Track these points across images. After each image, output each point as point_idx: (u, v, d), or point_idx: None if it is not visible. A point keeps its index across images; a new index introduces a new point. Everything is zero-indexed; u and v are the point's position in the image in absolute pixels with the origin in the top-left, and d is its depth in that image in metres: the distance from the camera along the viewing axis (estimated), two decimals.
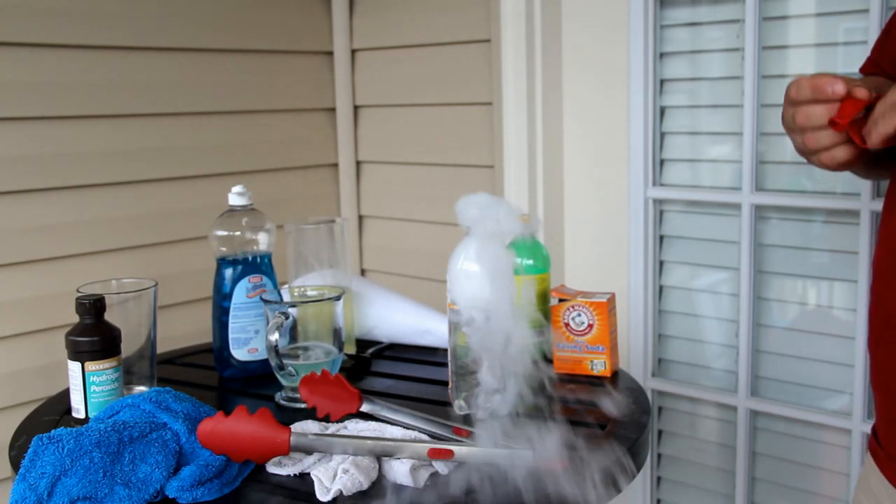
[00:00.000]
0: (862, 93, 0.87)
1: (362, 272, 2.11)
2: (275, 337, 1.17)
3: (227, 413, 0.98)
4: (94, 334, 1.13)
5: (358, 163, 2.06)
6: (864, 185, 1.45)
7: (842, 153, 0.91)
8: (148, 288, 1.24)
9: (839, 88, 0.88)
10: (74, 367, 1.14)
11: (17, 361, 1.55)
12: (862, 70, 1.14)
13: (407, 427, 1.08)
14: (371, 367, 1.42)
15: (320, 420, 1.11)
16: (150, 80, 1.70)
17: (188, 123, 1.77)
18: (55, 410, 1.23)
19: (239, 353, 1.37)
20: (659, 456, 1.78)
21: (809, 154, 0.95)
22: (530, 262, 1.32)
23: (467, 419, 1.13)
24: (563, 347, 1.31)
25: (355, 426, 1.09)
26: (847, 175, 1.34)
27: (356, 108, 2.04)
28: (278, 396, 1.26)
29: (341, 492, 0.93)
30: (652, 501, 1.79)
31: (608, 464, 0.98)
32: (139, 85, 1.68)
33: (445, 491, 0.95)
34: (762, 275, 1.61)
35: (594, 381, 1.29)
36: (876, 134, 0.85)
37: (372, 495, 0.94)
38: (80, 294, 1.17)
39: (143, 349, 1.24)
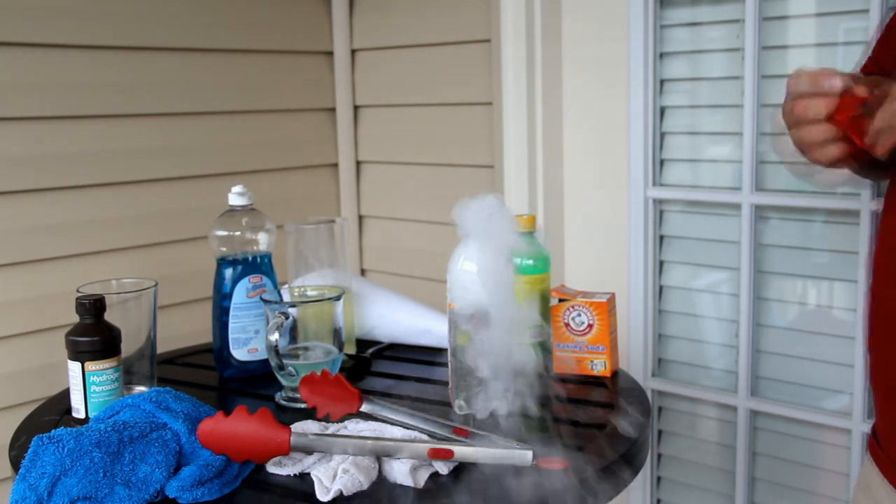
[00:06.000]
0: (861, 90, 0.87)
1: (362, 272, 2.10)
2: (275, 337, 1.17)
3: (227, 413, 0.98)
4: (94, 334, 1.13)
5: (358, 163, 2.06)
6: (864, 185, 1.45)
7: (834, 150, 0.91)
8: (148, 288, 1.24)
9: (836, 83, 0.87)
10: (74, 367, 1.14)
11: (17, 361, 1.55)
12: (863, 70, 1.13)
13: (407, 427, 1.08)
14: (371, 367, 1.42)
15: (320, 420, 1.11)
16: (150, 80, 1.70)
17: (188, 123, 1.77)
18: (55, 410, 1.23)
19: (239, 353, 1.37)
20: (659, 456, 1.78)
21: (805, 149, 0.94)
22: (530, 262, 1.32)
23: (467, 419, 1.13)
24: (563, 347, 1.31)
25: (355, 426, 1.08)
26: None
27: (356, 108, 2.04)
28: (278, 396, 1.26)
29: (341, 492, 0.93)
30: (652, 501, 1.79)
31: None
32: (139, 85, 1.68)
33: (445, 491, 0.95)
34: (762, 275, 1.60)
35: (594, 381, 1.29)
36: (881, 148, 0.85)
37: (372, 495, 0.94)
38: (80, 294, 1.17)
39: (143, 349, 1.24)
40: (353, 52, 2.01)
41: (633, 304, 1.73)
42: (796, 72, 0.91)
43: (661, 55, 1.66)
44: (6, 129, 1.51)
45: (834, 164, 0.93)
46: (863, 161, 0.95)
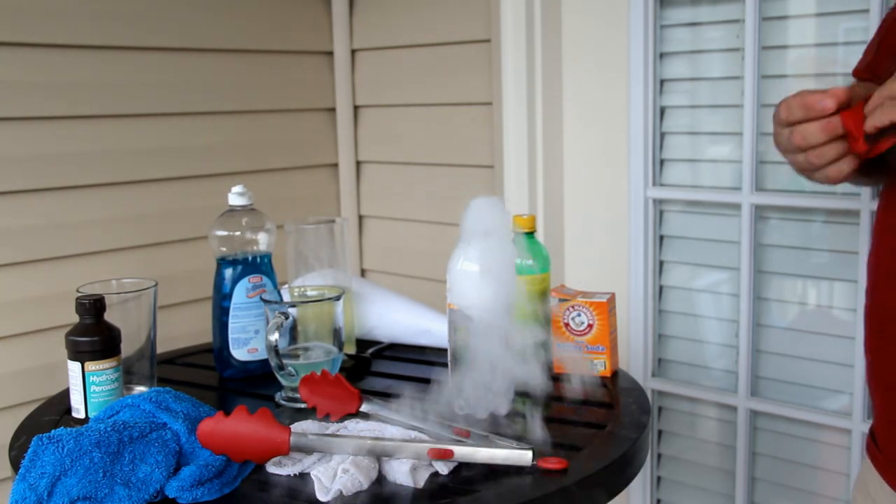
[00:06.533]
0: (845, 95, 0.88)
1: (362, 272, 2.11)
2: (275, 337, 1.17)
3: (227, 413, 0.98)
4: (94, 334, 1.13)
5: (358, 163, 2.06)
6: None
7: (848, 164, 0.91)
8: (148, 288, 1.24)
9: (828, 104, 0.88)
10: (74, 367, 1.14)
11: (17, 361, 1.55)
12: (855, 73, 1.13)
13: (407, 427, 1.08)
14: (371, 367, 1.42)
15: (320, 420, 1.11)
16: (150, 80, 1.70)
17: (188, 123, 1.77)
18: (55, 410, 1.23)
19: (239, 353, 1.37)
20: (659, 456, 1.78)
21: (813, 171, 0.94)
22: (530, 262, 1.32)
23: (467, 419, 1.13)
24: (563, 347, 1.31)
25: (355, 426, 1.08)
26: None
27: (356, 108, 2.04)
28: (278, 396, 1.26)
29: (341, 492, 0.93)
30: (652, 501, 1.79)
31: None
32: (139, 85, 1.68)
33: (445, 491, 0.95)
34: (762, 275, 1.61)
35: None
36: (870, 124, 0.85)
37: (372, 495, 0.94)
38: (80, 294, 1.17)
39: (143, 349, 1.24)
40: (353, 52, 2.01)
41: (633, 304, 1.73)
42: (784, 100, 0.92)
43: (661, 55, 1.66)
44: (6, 129, 1.51)
45: (846, 178, 0.93)
46: (863, 169, 0.95)
